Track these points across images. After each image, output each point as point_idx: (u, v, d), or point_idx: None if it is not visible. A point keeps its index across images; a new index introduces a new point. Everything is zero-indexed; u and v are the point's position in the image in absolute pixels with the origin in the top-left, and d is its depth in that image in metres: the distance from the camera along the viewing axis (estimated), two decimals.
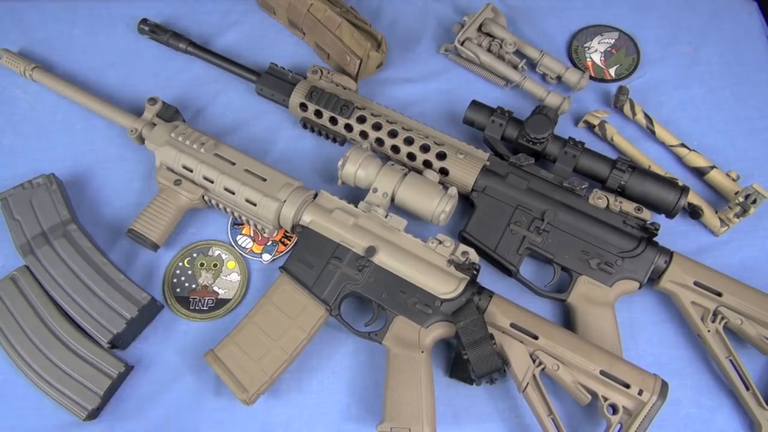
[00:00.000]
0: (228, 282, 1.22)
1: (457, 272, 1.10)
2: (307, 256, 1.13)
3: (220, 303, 1.21)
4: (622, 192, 1.21)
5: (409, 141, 1.25)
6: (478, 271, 1.11)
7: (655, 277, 1.17)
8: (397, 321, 1.10)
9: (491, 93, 1.44)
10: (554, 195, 1.21)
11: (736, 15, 1.55)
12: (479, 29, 1.44)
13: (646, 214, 1.17)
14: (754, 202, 1.20)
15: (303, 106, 1.31)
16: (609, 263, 1.16)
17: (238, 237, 1.26)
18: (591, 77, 1.46)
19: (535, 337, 1.06)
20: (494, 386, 1.12)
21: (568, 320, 1.20)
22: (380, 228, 1.14)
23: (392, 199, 1.19)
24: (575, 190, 1.20)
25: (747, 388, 1.11)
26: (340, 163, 1.19)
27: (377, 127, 1.26)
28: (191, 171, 1.20)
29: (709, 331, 1.13)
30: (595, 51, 1.50)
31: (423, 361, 1.07)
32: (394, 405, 1.05)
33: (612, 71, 1.48)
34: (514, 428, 1.12)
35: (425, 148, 1.24)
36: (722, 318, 1.13)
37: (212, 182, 1.19)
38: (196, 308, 1.20)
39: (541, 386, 1.05)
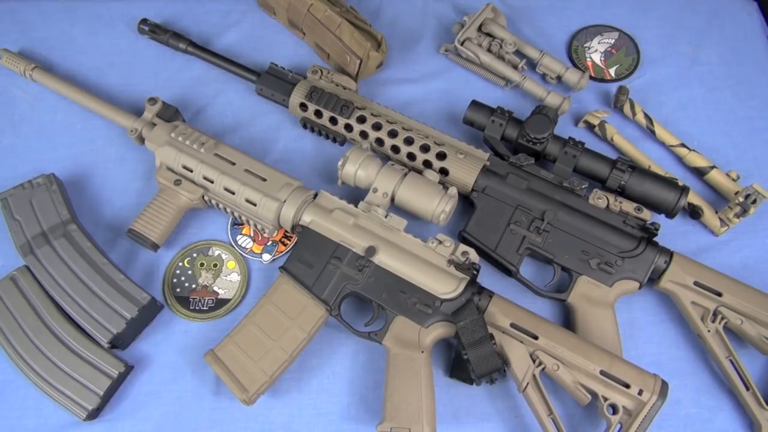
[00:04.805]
0: (228, 282, 1.22)
1: (457, 272, 1.10)
2: (307, 256, 1.13)
3: (220, 303, 1.21)
4: (622, 192, 1.21)
5: (409, 141, 1.25)
6: (478, 271, 1.11)
7: (655, 277, 1.17)
8: (397, 321, 1.10)
9: (491, 93, 1.44)
10: (554, 195, 1.21)
11: (736, 15, 1.55)
12: (479, 29, 1.44)
13: (646, 214, 1.17)
14: (754, 202, 1.20)
15: (303, 106, 1.31)
16: (609, 263, 1.16)
17: (238, 237, 1.26)
18: (591, 77, 1.46)
19: (535, 337, 1.06)
20: (494, 386, 1.12)
21: (568, 320, 1.19)
22: (380, 228, 1.14)
23: (392, 199, 1.19)
24: (575, 190, 1.20)
25: (747, 388, 1.11)
26: (340, 163, 1.19)
27: (377, 127, 1.26)
28: (191, 171, 1.20)
29: (709, 331, 1.13)
30: (595, 51, 1.50)
31: (423, 361, 1.07)
32: (394, 405, 1.05)
33: (612, 71, 1.48)
34: (514, 428, 1.12)
35: (425, 148, 1.24)
36: (722, 318, 1.13)
37: (212, 182, 1.19)
38: (196, 308, 1.20)
39: (541, 386, 1.05)
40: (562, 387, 1.07)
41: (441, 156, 1.23)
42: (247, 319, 1.11)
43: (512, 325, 1.07)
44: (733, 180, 1.30)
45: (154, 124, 1.26)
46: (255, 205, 1.17)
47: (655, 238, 1.18)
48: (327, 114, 1.29)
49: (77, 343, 1.10)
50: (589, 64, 1.48)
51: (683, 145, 1.34)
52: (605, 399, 1.03)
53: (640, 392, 1.02)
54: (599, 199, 1.19)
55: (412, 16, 1.54)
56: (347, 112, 1.27)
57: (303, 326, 1.10)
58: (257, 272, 1.24)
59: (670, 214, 1.20)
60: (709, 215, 1.27)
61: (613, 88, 1.42)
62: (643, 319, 1.22)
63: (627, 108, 1.38)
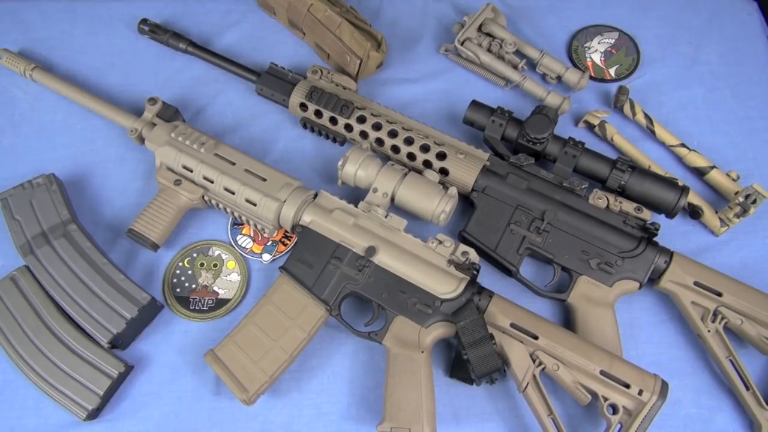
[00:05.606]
0: (228, 282, 1.22)
1: (457, 272, 1.10)
2: (307, 256, 1.13)
3: (220, 303, 1.21)
4: (622, 192, 1.21)
5: (409, 141, 1.25)
6: (478, 271, 1.11)
7: (655, 277, 1.17)
8: (397, 321, 1.10)
9: (491, 93, 1.44)
10: (554, 195, 1.21)
11: (736, 15, 1.55)
12: (479, 29, 1.44)
13: (646, 214, 1.17)
14: (754, 202, 1.20)
15: (303, 106, 1.31)
16: (609, 263, 1.16)
17: (238, 237, 1.26)
18: (591, 77, 1.46)
19: (535, 337, 1.06)
20: (494, 386, 1.12)
21: (568, 320, 1.19)
22: (380, 228, 1.14)
23: (392, 199, 1.19)
24: (575, 190, 1.20)
25: (747, 388, 1.11)
26: (340, 163, 1.19)
27: (377, 127, 1.26)
28: (191, 171, 1.20)
29: (709, 331, 1.13)
30: (595, 51, 1.50)
31: (423, 361, 1.07)
32: (394, 405, 1.05)
33: (612, 71, 1.48)
34: (514, 428, 1.12)
35: (425, 148, 1.24)
36: (722, 318, 1.13)
37: (212, 182, 1.19)
38: (196, 308, 1.20)
39: (541, 386, 1.05)
40: (562, 387, 1.07)
41: (441, 156, 1.23)
42: (247, 319, 1.11)
43: (512, 325, 1.07)
44: (733, 180, 1.30)
45: (154, 124, 1.26)
46: (255, 205, 1.17)
47: (655, 238, 1.18)
48: (327, 114, 1.29)
49: (77, 343, 1.10)
50: (589, 64, 1.48)
51: (683, 145, 1.34)
52: (605, 399, 1.03)
53: (640, 392, 1.02)
54: (599, 199, 1.19)
55: (412, 16, 1.54)
56: (347, 112, 1.27)
57: (303, 326, 1.10)
58: (257, 272, 1.24)
59: (670, 214, 1.20)
60: (709, 215, 1.27)
61: (613, 88, 1.42)
62: (643, 319, 1.22)
63: (627, 108, 1.38)
